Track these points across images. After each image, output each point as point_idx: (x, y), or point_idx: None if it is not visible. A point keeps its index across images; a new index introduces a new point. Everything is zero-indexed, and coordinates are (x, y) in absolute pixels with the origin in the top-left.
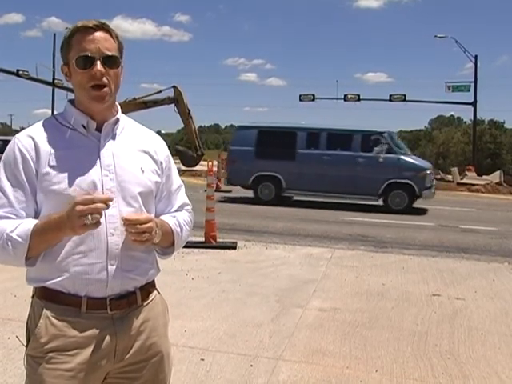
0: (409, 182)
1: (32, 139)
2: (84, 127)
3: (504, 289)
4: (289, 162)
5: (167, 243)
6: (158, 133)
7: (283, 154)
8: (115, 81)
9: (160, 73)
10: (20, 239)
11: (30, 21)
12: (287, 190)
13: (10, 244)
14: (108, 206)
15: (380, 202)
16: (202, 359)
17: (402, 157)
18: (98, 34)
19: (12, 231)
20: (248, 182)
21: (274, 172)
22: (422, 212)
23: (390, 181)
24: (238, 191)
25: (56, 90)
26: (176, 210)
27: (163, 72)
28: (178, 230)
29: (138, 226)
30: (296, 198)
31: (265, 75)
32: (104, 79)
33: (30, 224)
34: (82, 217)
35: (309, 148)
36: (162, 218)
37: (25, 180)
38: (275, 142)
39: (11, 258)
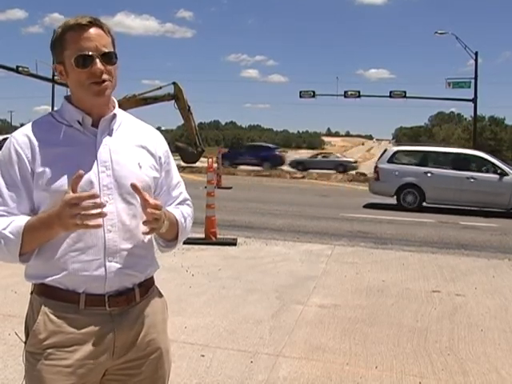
0: None
1: (28, 138)
2: (79, 123)
3: (504, 285)
4: None
5: (171, 235)
6: (158, 129)
7: None
8: (114, 75)
9: (162, 69)
10: (12, 236)
11: (33, 17)
12: None
13: (2, 241)
14: (100, 205)
15: None
16: (203, 355)
17: None
18: (93, 31)
19: (4, 228)
20: None
21: None
22: (421, 208)
23: None
24: (238, 189)
25: (56, 86)
26: (177, 205)
27: (165, 68)
28: (183, 220)
29: (155, 211)
30: None
31: (267, 71)
32: (103, 76)
33: (22, 221)
34: (74, 217)
35: None
36: (167, 209)
37: (19, 179)
38: None
39: (5, 255)
